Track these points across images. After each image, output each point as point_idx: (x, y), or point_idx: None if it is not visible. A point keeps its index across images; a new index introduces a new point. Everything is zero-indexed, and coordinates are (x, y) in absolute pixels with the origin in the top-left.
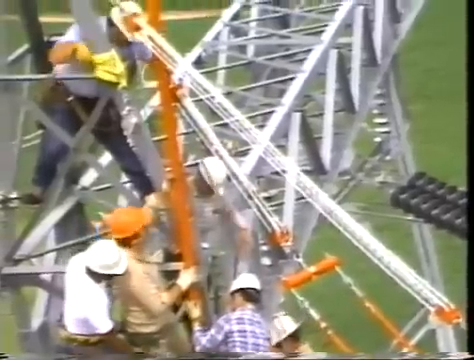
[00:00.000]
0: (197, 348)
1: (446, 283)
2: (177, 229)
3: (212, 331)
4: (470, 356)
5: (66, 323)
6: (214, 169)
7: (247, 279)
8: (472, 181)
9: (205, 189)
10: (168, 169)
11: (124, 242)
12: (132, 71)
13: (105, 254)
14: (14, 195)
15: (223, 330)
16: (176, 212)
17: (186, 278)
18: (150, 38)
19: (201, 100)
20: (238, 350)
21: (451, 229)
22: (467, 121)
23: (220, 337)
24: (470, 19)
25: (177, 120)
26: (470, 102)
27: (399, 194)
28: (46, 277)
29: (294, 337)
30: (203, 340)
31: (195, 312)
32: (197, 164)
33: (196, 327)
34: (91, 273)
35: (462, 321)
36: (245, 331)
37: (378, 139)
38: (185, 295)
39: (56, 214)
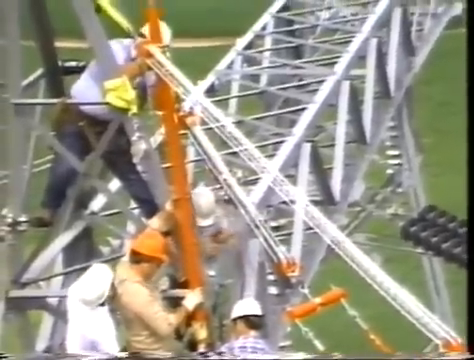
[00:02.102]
0: None
1: (455, 317)
2: (182, 249)
3: (215, 358)
4: (470, 356)
5: (68, 347)
6: (201, 200)
7: (248, 305)
8: (472, 207)
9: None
10: (172, 189)
11: (138, 259)
12: (143, 98)
13: (90, 287)
14: (23, 218)
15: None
16: (180, 231)
17: (192, 299)
18: (161, 65)
19: (211, 128)
20: None
21: (461, 263)
22: (467, 154)
23: None
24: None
25: (181, 141)
26: (470, 137)
27: (409, 227)
28: (52, 301)
29: None
30: None
31: (202, 333)
32: None
33: (201, 349)
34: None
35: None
36: None
37: (390, 171)
38: (191, 317)
39: (64, 238)
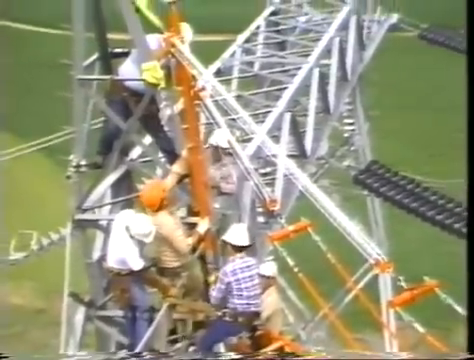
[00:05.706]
0: (212, 300)
1: (389, 244)
2: (194, 186)
3: (218, 284)
4: (470, 356)
5: (108, 258)
6: (219, 137)
7: (237, 233)
8: (472, 181)
9: (216, 156)
10: (188, 141)
11: (156, 209)
12: (169, 76)
13: (141, 226)
14: (84, 162)
15: (224, 282)
16: (194, 173)
17: (203, 225)
18: (181, 53)
19: (217, 100)
20: (235, 297)
21: (393, 203)
22: (467, 131)
23: (223, 287)
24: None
25: (195, 109)
26: (470, 114)
27: (359, 175)
28: (103, 223)
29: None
30: (214, 293)
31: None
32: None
33: (211, 287)
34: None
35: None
36: (239, 279)
37: (346, 134)
38: (202, 238)
39: (111, 177)
